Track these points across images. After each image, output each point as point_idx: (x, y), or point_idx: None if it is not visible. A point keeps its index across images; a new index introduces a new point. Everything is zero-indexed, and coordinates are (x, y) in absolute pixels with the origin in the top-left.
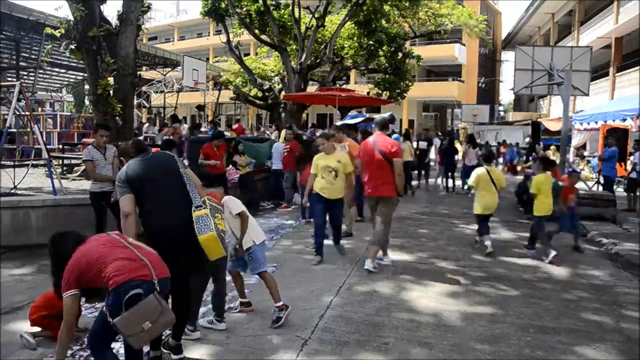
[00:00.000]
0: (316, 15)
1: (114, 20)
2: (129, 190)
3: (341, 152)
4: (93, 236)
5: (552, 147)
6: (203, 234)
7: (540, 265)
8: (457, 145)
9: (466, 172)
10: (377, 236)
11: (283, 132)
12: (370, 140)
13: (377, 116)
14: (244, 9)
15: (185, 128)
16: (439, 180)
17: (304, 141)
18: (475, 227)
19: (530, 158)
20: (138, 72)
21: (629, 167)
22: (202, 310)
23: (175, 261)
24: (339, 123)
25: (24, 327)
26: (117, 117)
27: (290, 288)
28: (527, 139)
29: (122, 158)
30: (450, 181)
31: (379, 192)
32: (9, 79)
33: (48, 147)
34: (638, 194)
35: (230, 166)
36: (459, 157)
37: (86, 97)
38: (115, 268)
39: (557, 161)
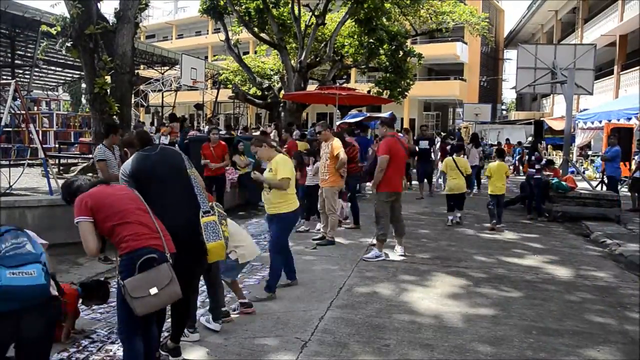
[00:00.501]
0: (316, 13)
1: (111, 17)
2: (134, 185)
3: (280, 156)
4: (116, 185)
5: (549, 146)
6: (212, 242)
7: (542, 266)
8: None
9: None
10: (403, 228)
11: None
12: (397, 138)
13: (382, 115)
14: (243, 7)
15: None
16: (440, 180)
17: (308, 140)
18: (476, 227)
19: (533, 157)
20: (136, 71)
21: (633, 167)
22: (200, 311)
23: (178, 261)
24: (338, 122)
25: None
26: (114, 116)
27: (290, 289)
28: (530, 138)
29: (126, 149)
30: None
31: (402, 187)
32: (4, 77)
33: (44, 146)
34: None
35: (230, 166)
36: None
37: (83, 96)
38: (133, 231)
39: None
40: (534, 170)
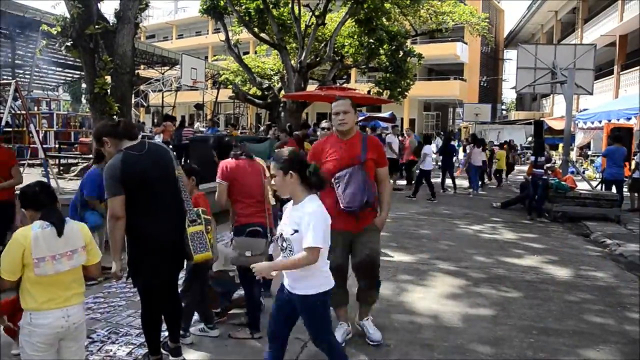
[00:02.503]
0: (316, 13)
1: (111, 17)
2: (122, 190)
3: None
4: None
5: (546, 147)
6: (199, 253)
7: (542, 266)
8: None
9: (474, 171)
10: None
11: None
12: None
13: (382, 115)
14: (243, 7)
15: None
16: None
17: (310, 141)
18: (476, 227)
19: (542, 158)
20: (136, 71)
21: (633, 167)
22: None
23: (163, 266)
24: None
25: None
26: (114, 117)
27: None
28: (530, 138)
29: (105, 138)
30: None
31: None
32: (4, 77)
33: (44, 146)
34: None
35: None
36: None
37: (83, 96)
38: None
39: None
40: (542, 171)
